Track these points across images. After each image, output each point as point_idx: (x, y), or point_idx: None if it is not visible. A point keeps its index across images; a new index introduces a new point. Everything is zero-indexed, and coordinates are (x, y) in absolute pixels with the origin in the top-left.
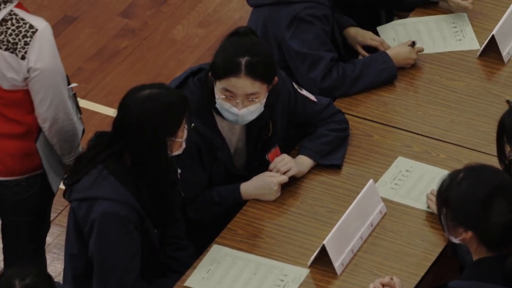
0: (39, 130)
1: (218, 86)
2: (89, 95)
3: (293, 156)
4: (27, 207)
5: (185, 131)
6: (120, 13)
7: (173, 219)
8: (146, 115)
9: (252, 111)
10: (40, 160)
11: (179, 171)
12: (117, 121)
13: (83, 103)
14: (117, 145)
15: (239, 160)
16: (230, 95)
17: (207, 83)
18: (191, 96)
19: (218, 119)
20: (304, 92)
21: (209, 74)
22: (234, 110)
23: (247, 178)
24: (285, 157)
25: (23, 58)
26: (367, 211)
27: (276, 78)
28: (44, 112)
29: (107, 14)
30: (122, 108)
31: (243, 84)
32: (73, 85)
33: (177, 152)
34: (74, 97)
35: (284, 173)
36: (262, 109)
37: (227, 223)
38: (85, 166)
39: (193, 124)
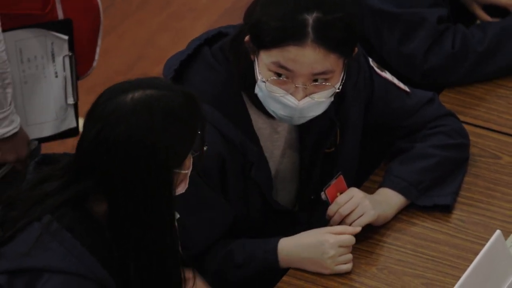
0: None
1: (265, 60)
2: None
3: (369, 191)
4: None
5: (191, 159)
6: None
7: None
8: (140, 132)
9: (319, 102)
10: None
11: (177, 215)
12: (86, 143)
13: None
14: (87, 183)
15: (284, 189)
16: (287, 74)
17: (239, 55)
18: (209, 76)
19: (254, 115)
20: (387, 74)
21: (245, 39)
22: (291, 100)
23: (298, 220)
24: (354, 194)
25: None
26: (494, 283)
27: (355, 49)
28: None
29: None
30: (97, 121)
31: (310, 56)
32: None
33: (179, 191)
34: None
35: (351, 223)
36: (332, 99)
37: None
38: (21, 216)
39: (205, 147)
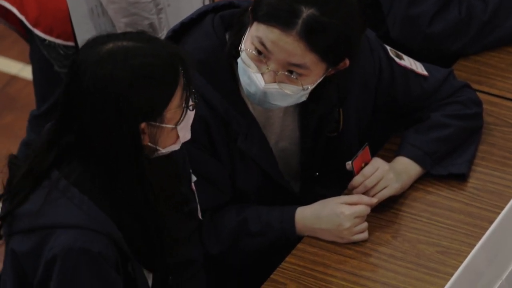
0: None
1: (253, 32)
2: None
3: (384, 159)
4: None
5: (186, 112)
6: None
7: (179, 262)
8: (102, 83)
9: (283, 94)
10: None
11: (193, 178)
12: (61, 94)
13: None
14: (67, 137)
15: (284, 167)
16: (265, 53)
17: (239, 26)
18: (202, 40)
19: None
20: (405, 61)
21: (250, 8)
22: (257, 78)
23: (299, 199)
24: (379, 166)
25: None
26: (509, 250)
27: (347, 62)
28: None
29: None
30: (71, 71)
31: (290, 46)
32: None
33: (170, 147)
34: None
35: (374, 195)
36: (303, 98)
37: (269, 270)
38: (31, 176)
39: (195, 100)
